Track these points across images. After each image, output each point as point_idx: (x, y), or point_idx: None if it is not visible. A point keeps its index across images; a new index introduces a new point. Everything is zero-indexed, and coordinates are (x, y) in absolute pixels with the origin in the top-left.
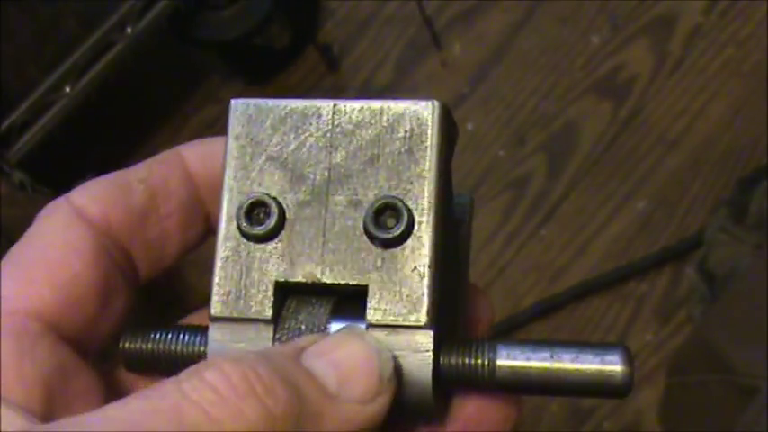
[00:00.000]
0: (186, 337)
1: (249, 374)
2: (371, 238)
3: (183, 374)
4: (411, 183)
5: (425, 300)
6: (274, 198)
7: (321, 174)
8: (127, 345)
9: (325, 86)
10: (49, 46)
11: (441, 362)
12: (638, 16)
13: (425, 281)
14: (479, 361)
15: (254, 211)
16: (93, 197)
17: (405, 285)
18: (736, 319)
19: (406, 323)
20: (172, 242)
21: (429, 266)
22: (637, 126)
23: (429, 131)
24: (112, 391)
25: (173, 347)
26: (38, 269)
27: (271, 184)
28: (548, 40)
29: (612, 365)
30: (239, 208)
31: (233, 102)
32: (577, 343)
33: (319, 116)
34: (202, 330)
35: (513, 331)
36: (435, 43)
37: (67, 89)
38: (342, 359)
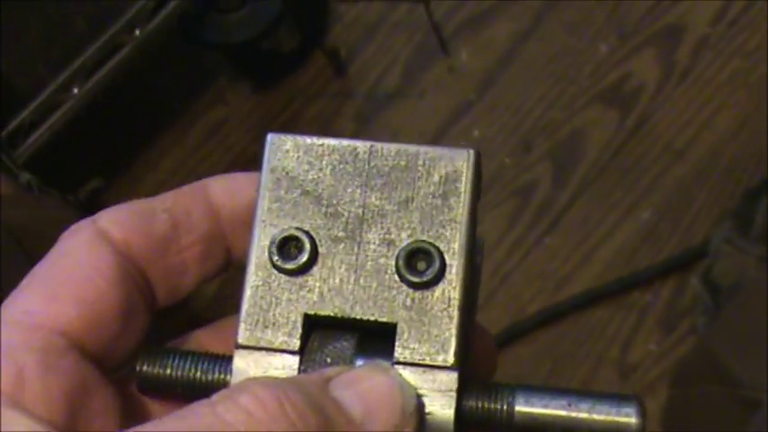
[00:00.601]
0: (207, 364)
1: (282, 398)
2: (403, 279)
3: (216, 397)
4: (443, 227)
5: (453, 341)
6: (307, 232)
7: (356, 212)
8: (144, 368)
9: (332, 91)
10: (58, 46)
11: (462, 403)
12: (645, 26)
13: (454, 322)
14: (499, 406)
15: (287, 245)
16: (117, 221)
17: (434, 326)
18: (739, 331)
19: (434, 363)
20: (190, 272)
21: (459, 308)
22: (643, 136)
23: (463, 178)
24: (128, 410)
25: (193, 374)
26: (63, 286)
27: (305, 218)
28: (555, 48)
29: (628, 417)
30: (272, 241)
31: (270, 135)
32: (593, 393)
33: (356, 156)
34: (223, 358)
35: (516, 339)
36: (443, 49)
37: (75, 90)
38: (367, 391)
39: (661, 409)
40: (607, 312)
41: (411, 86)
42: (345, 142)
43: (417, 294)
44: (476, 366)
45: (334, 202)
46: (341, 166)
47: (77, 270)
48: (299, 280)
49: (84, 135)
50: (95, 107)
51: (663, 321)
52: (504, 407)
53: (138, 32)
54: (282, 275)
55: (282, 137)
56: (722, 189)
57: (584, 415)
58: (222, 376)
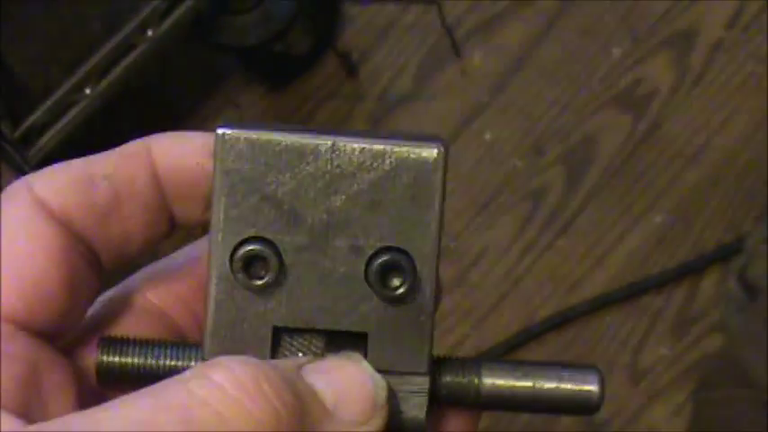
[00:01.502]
0: (175, 351)
1: (259, 375)
2: (374, 290)
3: (188, 374)
4: (414, 231)
5: (426, 350)
6: (271, 242)
7: (320, 217)
8: (105, 358)
9: (343, 93)
10: (71, 47)
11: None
12: (659, 30)
13: (426, 330)
14: (467, 381)
15: (252, 264)
16: (55, 190)
17: (406, 335)
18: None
19: (406, 370)
20: (134, 240)
21: (431, 316)
22: (656, 140)
23: (433, 178)
24: (84, 384)
25: (160, 362)
26: (3, 269)
27: (266, 225)
28: (568, 51)
29: (590, 386)
30: (233, 255)
31: (219, 131)
32: (556, 364)
33: (317, 155)
34: (192, 345)
35: (527, 343)
36: (455, 52)
37: (88, 90)
38: (339, 380)
39: (683, 413)
40: (619, 317)
41: (423, 89)
42: (305, 140)
43: (382, 303)
44: None
45: (297, 207)
46: (301, 167)
47: (15, 247)
48: (266, 293)
49: (97, 135)
50: (108, 108)
51: (675, 326)
52: (473, 382)
53: (150, 33)
54: (247, 291)
55: (234, 133)
56: (735, 194)
57: (550, 385)
58: (193, 364)
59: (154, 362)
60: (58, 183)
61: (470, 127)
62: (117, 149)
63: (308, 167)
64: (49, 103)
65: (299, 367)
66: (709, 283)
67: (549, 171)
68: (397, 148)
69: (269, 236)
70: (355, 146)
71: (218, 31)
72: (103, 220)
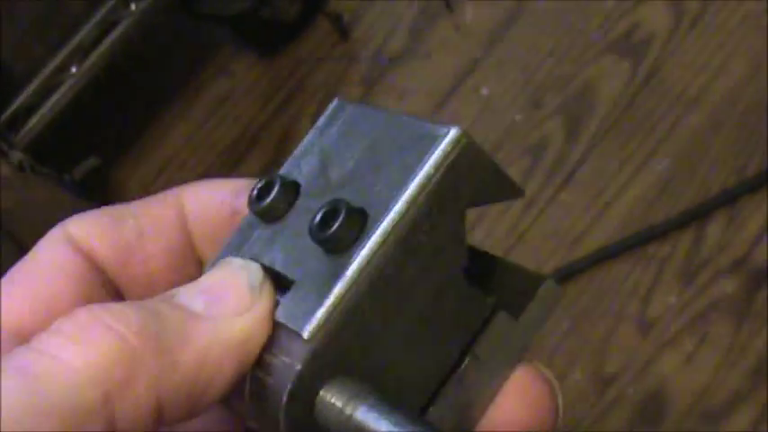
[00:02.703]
0: None
1: (96, 310)
2: (313, 237)
3: (36, 338)
4: (385, 192)
5: (319, 314)
6: (293, 183)
7: (340, 174)
8: None
9: (337, 56)
10: (55, 27)
11: (309, 389)
12: None
13: (333, 293)
14: (340, 410)
15: (266, 187)
16: (83, 225)
17: (315, 292)
18: None
19: (292, 327)
20: (158, 282)
21: (347, 281)
22: (655, 85)
23: (433, 147)
24: None
25: None
26: (20, 284)
27: (306, 171)
28: (561, 0)
29: None
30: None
31: (336, 101)
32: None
33: (373, 122)
34: None
35: None
36: (447, 7)
37: (74, 69)
38: (208, 284)
39: (693, 361)
40: (625, 267)
41: (417, 47)
42: (386, 114)
43: (327, 258)
44: None
45: (331, 161)
46: (357, 129)
47: (36, 269)
48: (270, 227)
49: (86, 115)
50: (96, 86)
51: (682, 273)
52: (345, 414)
53: (134, 7)
54: (260, 221)
55: (345, 104)
56: (738, 137)
57: None
58: None
59: None
60: (89, 220)
61: (466, 83)
62: (153, 195)
63: (360, 129)
64: (33, 85)
65: (172, 296)
66: (714, 228)
67: (549, 123)
68: (426, 124)
69: (300, 179)
70: (403, 120)
71: (203, 1)
72: (127, 256)
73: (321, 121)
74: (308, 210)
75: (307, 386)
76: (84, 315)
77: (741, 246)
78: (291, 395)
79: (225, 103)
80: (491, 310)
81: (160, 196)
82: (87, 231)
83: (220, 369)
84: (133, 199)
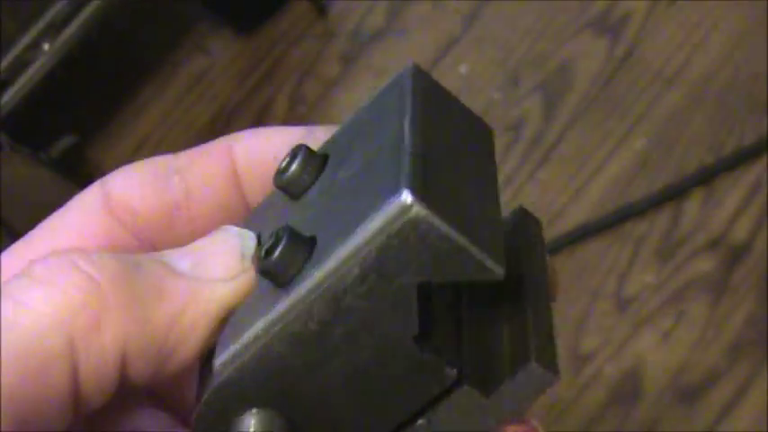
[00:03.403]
0: None
1: (72, 254)
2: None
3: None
4: (336, 231)
5: (231, 350)
6: (323, 156)
7: (345, 172)
8: None
9: (315, 33)
10: (26, 2)
11: None
12: None
13: (251, 331)
14: None
15: (291, 159)
16: (126, 185)
17: (251, 317)
18: None
19: (217, 353)
20: None
21: (266, 322)
22: (633, 63)
23: (373, 217)
24: None
25: None
26: (40, 248)
27: (336, 148)
28: None
29: None
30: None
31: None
32: None
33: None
34: None
35: None
36: None
37: (46, 46)
38: (200, 245)
39: (670, 339)
40: (602, 245)
41: (395, 24)
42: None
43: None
44: None
45: (350, 153)
46: (388, 120)
47: (66, 235)
48: (287, 204)
49: (60, 92)
50: (69, 63)
51: (659, 252)
52: None
53: None
54: (282, 194)
55: (416, 74)
56: (715, 115)
57: None
58: None
59: None
60: (130, 178)
61: (445, 60)
62: (201, 146)
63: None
64: (5, 61)
65: (162, 254)
66: (692, 206)
67: (527, 101)
68: (399, 164)
69: (329, 153)
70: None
71: None
72: (171, 217)
73: (385, 86)
74: (323, 193)
75: (216, 410)
76: (57, 258)
77: (718, 224)
78: (198, 418)
79: (201, 81)
80: (454, 380)
81: (209, 148)
82: (129, 192)
83: (193, 332)
84: None
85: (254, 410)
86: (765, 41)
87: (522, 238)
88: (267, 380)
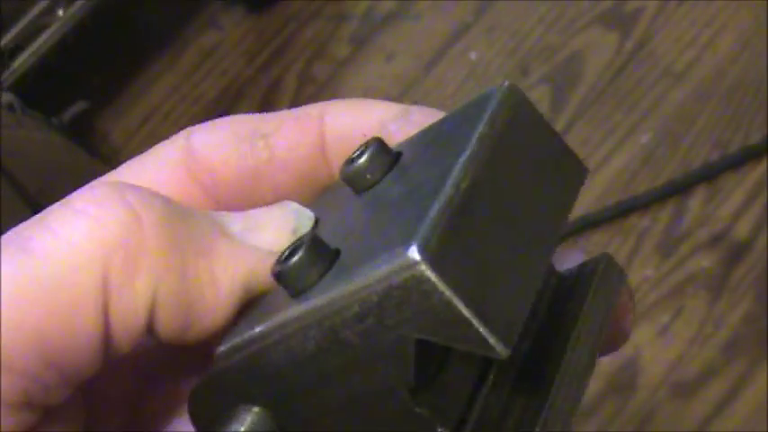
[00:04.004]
0: None
1: (121, 185)
2: None
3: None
4: (357, 254)
5: (233, 342)
6: (394, 151)
7: (402, 187)
8: None
9: (327, 14)
10: None
11: None
12: None
13: (253, 333)
14: None
15: (365, 151)
16: (208, 141)
17: (257, 317)
18: None
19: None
20: None
21: (266, 330)
22: (643, 58)
23: (378, 265)
24: None
25: None
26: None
27: (412, 152)
28: None
29: None
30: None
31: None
32: None
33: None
34: None
35: None
36: None
37: (60, 12)
38: (254, 213)
39: (667, 334)
40: (604, 237)
41: (407, 8)
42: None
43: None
44: None
45: (432, 157)
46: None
47: (144, 174)
48: (353, 195)
49: (72, 59)
50: (83, 31)
51: (660, 246)
52: None
53: None
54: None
55: (514, 95)
56: (722, 112)
57: None
58: None
59: None
60: (214, 134)
61: (455, 47)
62: (290, 110)
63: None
64: (20, 25)
65: (216, 213)
66: (695, 202)
67: (535, 91)
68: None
69: (407, 154)
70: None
71: None
72: (253, 182)
73: (478, 97)
74: (378, 199)
75: (210, 396)
76: (106, 188)
77: (720, 221)
78: (193, 397)
79: (212, 56)
80: None
81: (299, 113)
82: (212, 150)
83: (227, 295)
84: (116, 148)
85: (250, 407)
86: None
87: (592, 294)
88: (263, 382)
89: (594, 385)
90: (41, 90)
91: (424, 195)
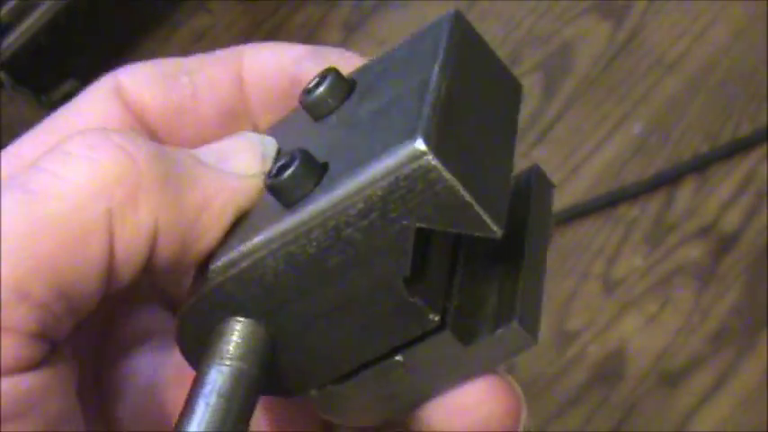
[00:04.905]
0: None
1: (109, 131)
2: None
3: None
4: (348, 161)
5: (225, 258)
6: (350, 81)
7: (370, 105)
8: None
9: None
10: None
11: None
12: None
13: (250, 243)
14: None
15: (318, 83)
16: (136, 79)
17: (251, 230)
18: None
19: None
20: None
21: (266, 238)
22: (635, 48)
23: (384, 159)
24: None
25: None
26: (54, 135)
27: (367, 78)
28: None
29: None
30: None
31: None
32: None
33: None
34: None
35: None
36: None
37: None
38: (222, 144)
39: (655, 323)
40: (593, 227)
41: None
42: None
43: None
44: None
45: (379, 86)
46: (419, 62)
47: (77, 119)
48: (313, 122)
49: (63, 38)
50: (74, 11)
51: (649, 236)
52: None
53: None
54: (305, 112)
55: (459, 21)
56: (713, 104)
57: None
58: None
59: None
60: (141, 74)
61: None
62: (209, 53)
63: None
64: (10, 4)
65: (188, 149)
66: (684, 193)
67: (526, 79)
68: (416, 108)
69: (355, 79)
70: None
71: None
72: (178, 115)
73: (425, 27)
74: (344, 121)
75: (201, 314)
76: (93, 133)
77: (709, 212)
78: (182, 317)
79: (202, 39)
80: (437, 326)
81: (219, 54)
82: (140, 85)
83: (218, 220)
84: None
85: (240, 318)
86: (765, 35)
87: (533, 199)
88: (257, 294)
89: (581, 374)
90: (32, 68)
91: (408, 102)
